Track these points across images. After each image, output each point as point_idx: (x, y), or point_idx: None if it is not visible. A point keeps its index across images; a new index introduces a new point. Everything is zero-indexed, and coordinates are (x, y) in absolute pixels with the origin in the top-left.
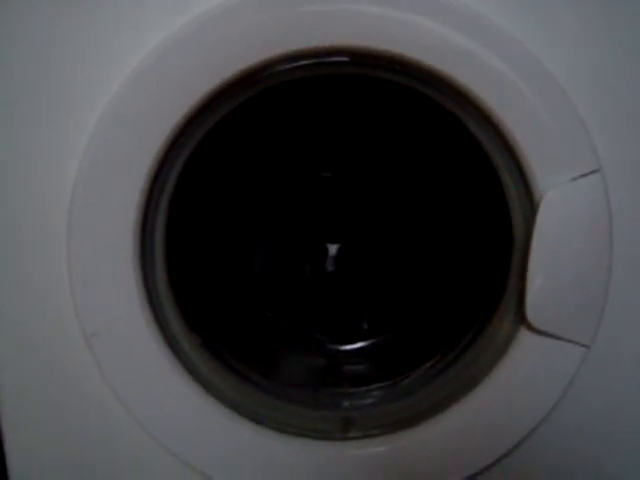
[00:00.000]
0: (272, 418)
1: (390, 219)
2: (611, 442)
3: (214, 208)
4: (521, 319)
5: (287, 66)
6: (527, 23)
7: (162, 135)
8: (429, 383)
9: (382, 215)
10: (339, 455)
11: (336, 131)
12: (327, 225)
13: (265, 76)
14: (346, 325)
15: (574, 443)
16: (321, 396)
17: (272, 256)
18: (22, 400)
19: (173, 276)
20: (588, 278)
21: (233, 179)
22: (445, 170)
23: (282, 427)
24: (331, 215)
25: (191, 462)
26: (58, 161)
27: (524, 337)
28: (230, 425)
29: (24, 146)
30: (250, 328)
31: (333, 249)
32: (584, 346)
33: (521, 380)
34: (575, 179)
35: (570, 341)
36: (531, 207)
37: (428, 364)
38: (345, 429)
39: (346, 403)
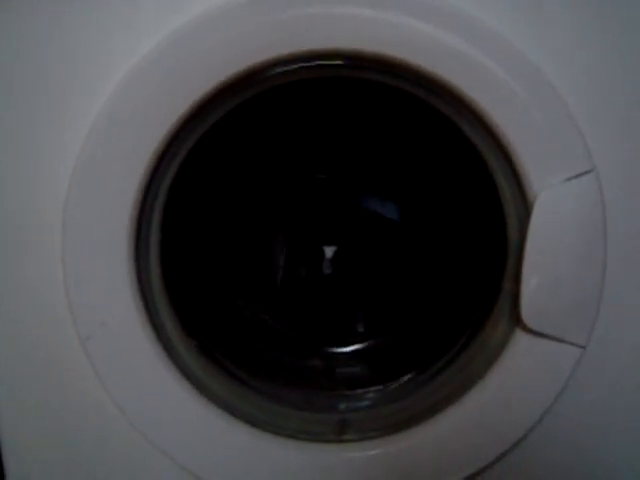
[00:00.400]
0: (267, 420)
1: (385, 221)
2: (607, 442)
3: (209, 210)
4: (516, 320)
5: (282, 69)
6: (519, 24)
7: (157, 137)
8: (425, 385)
9: (377, 217)
10: (335, 458)
11: (331, 133)
12: (323, 228)
13: (260, 79)
14: (341, 328)
15: (571, 444)
16: (316, 398)
17: (268, 258)
18: (17, 402)
19: (168, 278)
20: (583, 278)
21: (229, 181)
22: (439, 172)
23: (277, 429)
24: (328, 218)
25: (186, 464)
26: (53, 162)
27: (519, 338)
28: (225, 428)
29: (19, 147)
30: (245, 330)
31: (329, 252)
32: (579, 347)
33: (517, 381)
34: (569, 180)
35: (565, 342)
36: (525, 208)
37: (424, 366)
38: (340, 431)
39: (342, 405)
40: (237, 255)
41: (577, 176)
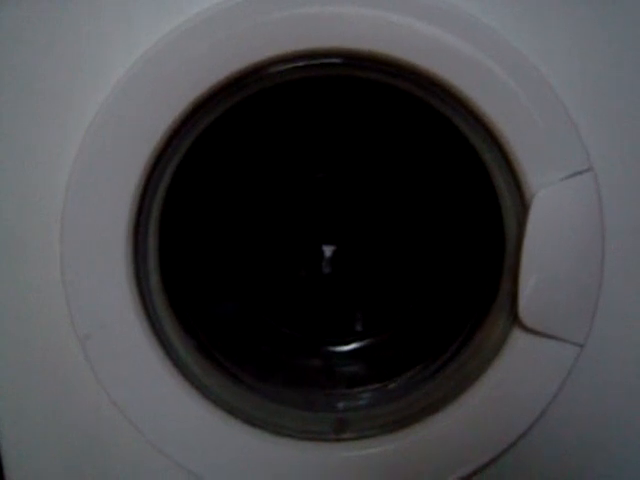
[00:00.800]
0: (266, 420)
1: (384, 220)
2: (606, 441)
3: (208, 210)
4: (514, 319)
5: (280, 68)
6: (517, 23)
7: (155, 138)
8: (423, 384)
9: (376, 216)
10: (333, 456)
11: (330, 132)
12: (323, 227)
13: (258, 78)
14: (340, 327)
15: (569, 442)
16: (315, 398)
17: (267, 258)
18: (16, 402)
19: (166, 278)
20: (581, 277)
21: (227, 181)
22: (438, 171)
23: (276, 429)
24: (327, 217)
25: (185, 464)
26: (50, 164)
27: (517, 337)
28: (224, 427)
29: (15, 149)
30: (244, 330)
31: (328, 251)
32: (578, 345)
33: (515, 379)
34: (566, 178)
35: (563, 340)
36: (523, 207)
37: (422, 365)
38: (339, 430)
39: (340, 404)
40: (235, 254)
41: (575, 175)
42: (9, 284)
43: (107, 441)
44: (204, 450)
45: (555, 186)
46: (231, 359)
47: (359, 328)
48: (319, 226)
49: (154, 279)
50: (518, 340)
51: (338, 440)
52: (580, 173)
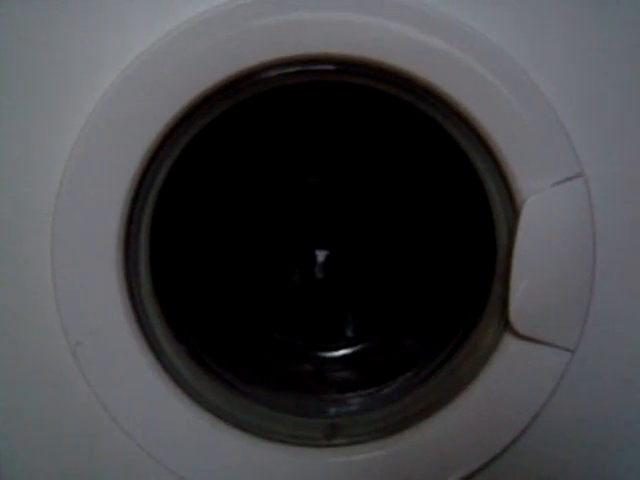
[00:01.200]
0: (257, 425)
1: (377, 225)
2: (598, 446)
3: (200, 214)
4: (505, 324)
5: (273, 73)
6: (508, 29)
7: (146, 143)
8: (415, 389)
9: (369, 221)
10: (324, 462)
11: (323, 138)
12: (315, 232)
13: (251, 83)
14: (332, 332)
15: (560, 448)
16: (306, 403)
17: (259, 262)
18: (7, 408)
19: (158, 283)
20: (572, 282)
21: (220, 186)
22: (429, 177)
23: (267, 434)
24: (319, 222)
25: (175, 469)
26: (42, 168)
27: (509, 342)
28: (214, 432)
29: (7, 150)
30: (236, 335)
31: (321, 256)
32: (569, 351)
33: (506, 385)
34: (557, 184)
35: (555, 346)
36: (514, 212)
37: (414, 370)
38: (330, 436)
39: (331, 410)
40: (228, 259)
41: (565, 180)
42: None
43: (98, 446)
44: (195, 455)
45: (546, 192)
46: (222, 364)
47: (351, 333)
48: (312, 231)
49: (145, 285)
50: (509, 346)
51: (329, 445)
52: (571, 179)
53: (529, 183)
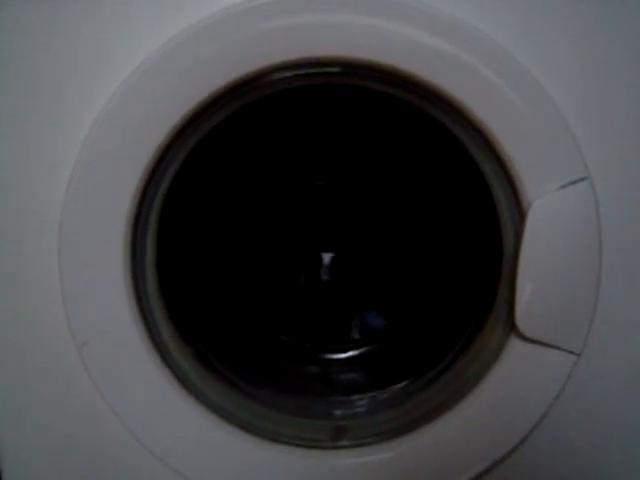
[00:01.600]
0: (263, 427)
1: (383, 228)
2: (603, 448)
3: (207, 217)
4: (511, 327)
5: (279, 76)
6: (516, 33)
7: (154, 145)
8: (421, 391)
9: (375, 224)
10: (330, 464)
11: (330, 140)
12: (321, 234)
13: (257, 86)
14: (338, 334)
15: (566, 450)
16: (312, 405)
17: (265, 264)
18: (14, 408)
19: (164, 285)
20: (578, 286)
21: (227, 188)
22: (436, 180)
23: (273, 436)
24: (325, 224)
25: (181, 470)
26: (48, 171)
27: (514, 345)
28: (220, 433)
29: (13, 154)
30: (242, 337)
31: (327, 258)
32: (574, 353)
33: (512, 388)
34: (564, 187)
35: (560, 349)
36: (520, 216)
37: (420, 373)
38: (336, 438)
39: (338, 412)
40: (234, 261)
41: (572, 183)
42: (7, 291)
43: (104, 447)
44: (200, 456)
45: (552, 195)
46: (228, 366)
47: (357, 335)
48: (318, 233)
49: (152, 286)
50: (515, 348)
51: (335, 448)
52: (577, 182)
53: (535, 186)
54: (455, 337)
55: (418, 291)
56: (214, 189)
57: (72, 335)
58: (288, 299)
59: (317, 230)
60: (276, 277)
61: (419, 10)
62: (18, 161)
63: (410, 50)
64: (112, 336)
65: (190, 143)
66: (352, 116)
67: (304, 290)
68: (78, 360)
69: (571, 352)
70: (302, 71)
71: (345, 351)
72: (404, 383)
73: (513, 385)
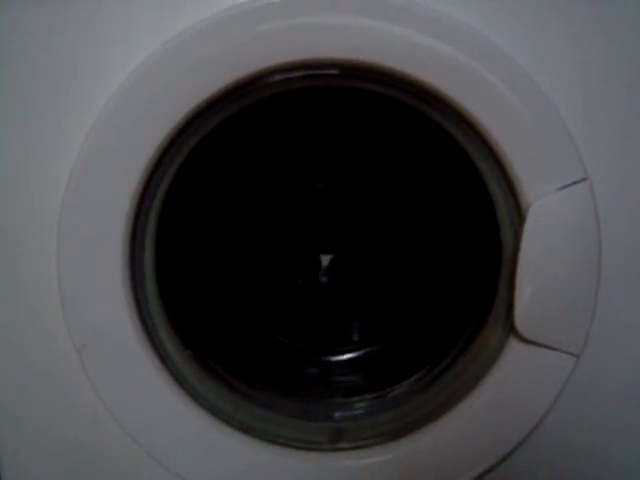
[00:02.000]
0: (262, 429)
1: (381, 229)
2: (602, 449)
3: (206, 218)
4: (510, 329)
5: (279, 78)
6: (513, 33)
7: (153, 146)
8: (420, 393)
9: (374, 226)
10: (329, 466)
11: (329, 142)
12: (320, 236)
13: (256, 88)
14: (337, 336)
15: (565, 451)
16: (312, 407)
17: (264, 266)
18: (13, 409)
19: (163, 287)
20: (577, 287)
21: (226, 189)
22: (434, 181)
23: (272, 438)
24: (324, 226)
25: (180, 473)
26: (47, 171)
27: (514, 347)
28: (219, 436)
29: (12, 154)
30: (241, 339)
31: (325, 260)
32: (574, 355)
33: (511, 390)
34: (562, 188)
35: (560, 350)
36: (519, 217)
37: (419, 374)
38: (336, 440)
39: (337, 414)
40: (233, 263)
41: (571, 184)
42: (6, 292)
43: (103, 450)
44: (199, 458)
45: (551, 196)
46: (227, 368)
47: (356, 337)
48: (317, 235)
49: (150, 288)
50: (514, 350)
51: (334, 450)
52: (576, 183)
53: (534, 187)
54: (454, 338)
55: (417, 292)
56: (213, 191)
57: (71, 337)
58: (287, 301)
59: (316, 232)
60: (275, 279)
61: (416, 12)
62: (18, 161)
63: (408, 52)
64: (111, 338)
65: (189, 144)
66: (351, 118)
67: (303, 292)
68: (77, 362)
69: (570, 354)
70: (301, 73)
71: (344, 353)
72: (403, 385)
73: (512, 386)
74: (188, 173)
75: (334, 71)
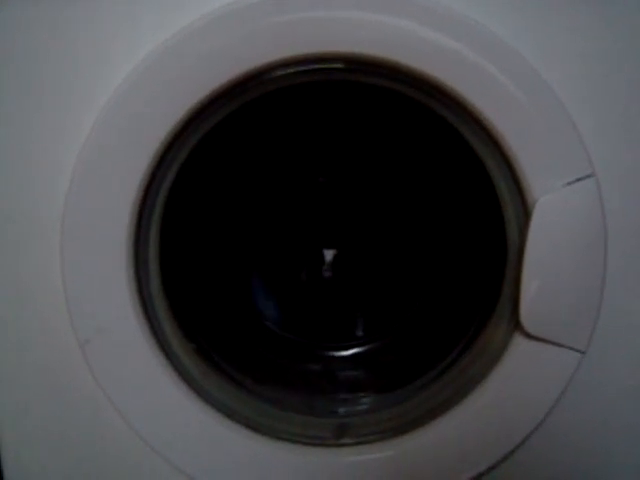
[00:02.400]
0: (266, 424)
1: (385, 225)
2: (607, 447)
3: (209, 213)
4: (516, 325)
5: (282, 72)
6: (520, 29)
7: (156, 142)
8: (425, 389)
9: (377, 221)
10: (334, 462)
11: (332, 137)
12: (323, 231)
13: (259, 82)
14: (341, 331)
15: (569, 449)
16: (316, 402)
17: (268, 261)
18: (16, 405)
19: (167, 281)
20: (582, 283)
21: (229, 184)
22: (440, 177)
23: (276, 433)
24: (327, 221)
25: (184, 468)
26: (51, 168)
27: (519, 343)
28: (223, 431)
29: (15, 153)
30: (245, 334)
31: (329, 255)
32: (579, 351)
33: (516, 386)
34: (569, 184)
35: (565, 347)
36: (525, 213)
37: (423, 370)
38: (339, 435)
39: (341, 409)
40: (236, 258)
41: (577, 180)
42: (9, 288)
43: (106, 444)
44: (203, 454)
45: (557, 192)
46: (231, 363)
47: (360, 333)
48: (320, 230)
49: (154, 283)
50: (519, 346)
51: (338, 445)
52: (582, 179)
53: (540, 183)
54: (459, 334)
55: (422, 288)
56: (217, 186)
57: (74, 332)
58: (291, 296)
59: (320, 227)
60: (279, 274)
61: (423, 6)
62: (19, 160)
63: (414, 46)
64: (114, 333)
65: (192, 140)
66: (355, 112)
67: (307, 287)
68: (80, 357)
69: (576, 350)
70: (305, 67)
71: (348, 348)
72: (408, 381)
73: (517, 383)
74: (192, 168)
75: (339, 65)
